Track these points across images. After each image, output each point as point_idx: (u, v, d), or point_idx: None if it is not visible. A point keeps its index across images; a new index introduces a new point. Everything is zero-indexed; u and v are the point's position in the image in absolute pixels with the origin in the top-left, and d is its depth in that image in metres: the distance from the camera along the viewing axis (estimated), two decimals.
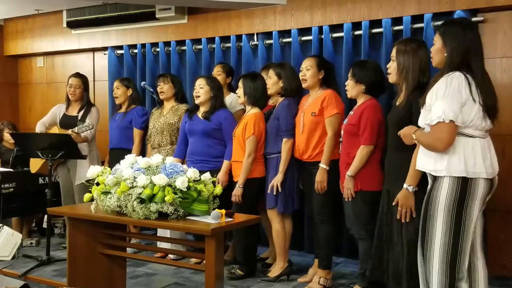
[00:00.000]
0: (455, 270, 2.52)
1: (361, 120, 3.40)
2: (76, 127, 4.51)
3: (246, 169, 3.91)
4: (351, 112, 3.55)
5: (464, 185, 2.48)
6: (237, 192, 3.92)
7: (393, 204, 2.95)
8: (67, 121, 4.77)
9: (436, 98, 2.49)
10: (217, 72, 4.68)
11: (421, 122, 2.66)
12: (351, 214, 3.49)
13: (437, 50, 2.65)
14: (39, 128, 4.92)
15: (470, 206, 2.50)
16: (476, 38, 2.60)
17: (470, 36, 2.57)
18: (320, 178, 3.66)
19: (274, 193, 3.86)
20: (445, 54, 2.58)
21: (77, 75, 4.95)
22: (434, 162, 2.54)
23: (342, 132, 3.57)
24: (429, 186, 2.62)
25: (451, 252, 2.50)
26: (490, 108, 2.55)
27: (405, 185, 2.87)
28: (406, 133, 2.76)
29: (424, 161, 2.62)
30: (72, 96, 4.87)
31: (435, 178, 2.56)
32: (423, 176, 2.79)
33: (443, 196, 2.49)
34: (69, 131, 4.47)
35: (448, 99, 2.45)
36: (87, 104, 4.88)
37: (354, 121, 3.44)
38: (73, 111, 4.89)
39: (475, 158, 2.49)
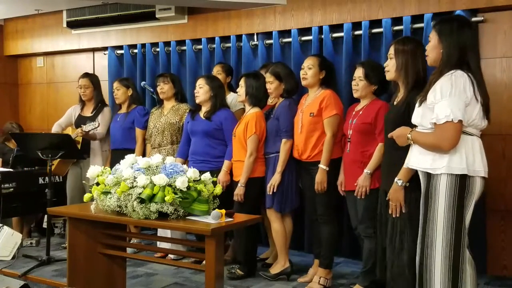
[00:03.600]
0: (459, 268, 2.49)
1: (377, 119, 3.40)
2: (84, 125, 4.57)
3: (248, 168, 3.90)
4: (360, 112, 3.53)
5: (462, 182, 2.46)
6: (239, 191, 3.92)
7: (386, 199, 2.95)
8: (81, 122, 4.81)
9: (441, 96, 2.45)
10: (217, 72, 4.68)
11: (417, 120, 2.62)
12: (363, 212, 3.46)
13: (432, 47, 2.61)
14: (55, 129, 5.02)
15: (468, 204, 2.50)
16: (472, 36, 2.58)
17: (466, 33, 2.55)
18: (320, 179, 3.65)
19: (269, 192, 3.86)
20: (441, 51, 2.55)
21: (86, 75, 5.03)
22: (432, 161, 2.52)
23: (350, 132, 3.55)
24: (423, 185, 2.60)
25: (454, 250, 2.48)
26: (487, 107, 2.55)
27: (395, 179, 2.87)
28: (400, 134, 2.73)
29: (419, 159, 2.58)
30: (83, 97, 4.97)
31: (430, 177, 2.53)
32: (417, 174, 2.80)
33: (442, 194, 2.48)
34: (78, 130, 4.56)
35: (455, 98, 2.43)
36: (100, 104, 4.96)
37: (370, 120, 3.44)
38: (87, 111, 4.97)
39: (474, 156, 2.49)
